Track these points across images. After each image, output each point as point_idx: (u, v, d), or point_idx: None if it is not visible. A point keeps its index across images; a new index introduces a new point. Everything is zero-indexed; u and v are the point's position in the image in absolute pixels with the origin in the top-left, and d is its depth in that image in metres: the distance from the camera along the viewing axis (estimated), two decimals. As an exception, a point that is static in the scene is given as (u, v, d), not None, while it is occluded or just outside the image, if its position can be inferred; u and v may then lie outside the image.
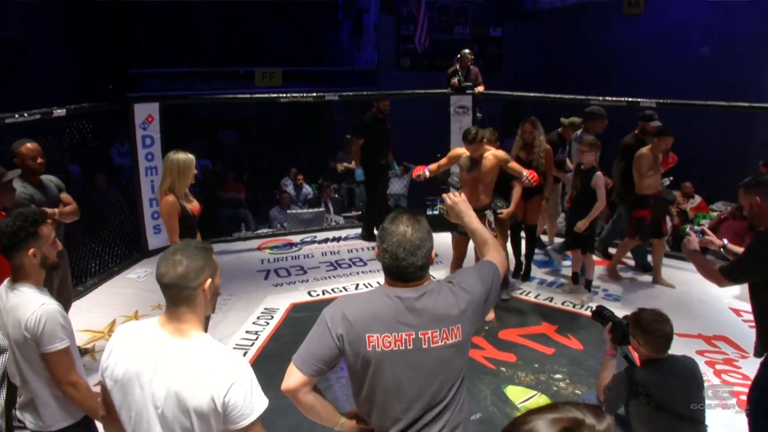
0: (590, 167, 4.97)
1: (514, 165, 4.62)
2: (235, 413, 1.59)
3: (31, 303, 2.10)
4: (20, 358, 2.16)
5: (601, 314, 2.94)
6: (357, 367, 1.76)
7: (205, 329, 4.08)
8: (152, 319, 1.73)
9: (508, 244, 5.49)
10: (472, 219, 2.13)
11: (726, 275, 2.72)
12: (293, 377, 1.74)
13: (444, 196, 2.21)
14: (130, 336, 1.71)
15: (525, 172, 4.47)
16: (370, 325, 1.74)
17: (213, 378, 1.59)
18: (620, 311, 3.45)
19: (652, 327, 2.57)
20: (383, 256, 1.80)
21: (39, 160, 3.83)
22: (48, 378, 2.15)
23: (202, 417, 1.59)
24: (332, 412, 1.86)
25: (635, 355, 2.73)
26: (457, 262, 4.99)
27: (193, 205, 3.76)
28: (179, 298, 1.66)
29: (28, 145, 3.81)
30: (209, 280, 1.70)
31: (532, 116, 5.48)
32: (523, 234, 5.77)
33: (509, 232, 5.71)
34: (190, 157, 3.67)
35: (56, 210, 3.81)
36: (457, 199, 2.16)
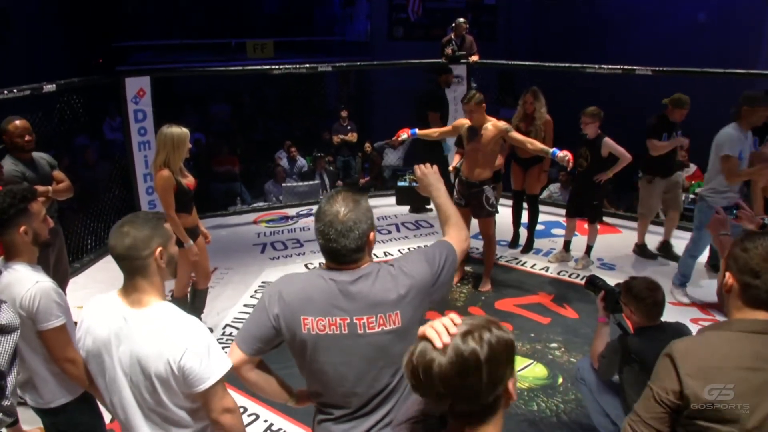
0: (596, 136, 4.94)
1: (515, 135, 4.48)
2: (192, 377, 1.66)
3: (26, 281, 2.09)
4: (17, 336, 2.16)
5: (594, 283, 2.97)
6: (295, 348, 1.73)
7: (203, 302, 4.14)
8: (113, 291, 1.78)
9: (505, 220, 5.41)
10: (440, 193, 2.01)
11: None
12: (233, 355, 1.73)
13: (415, 167, 2.10)
14: (95, 309, 1.78)
15: (561, 154, 4.13)
16: (305, 306, 1.68)
17: (168, 343, 1.65)
18: (615, 280, 3.47)
19: (644, 295, 2.60)
20: (317, 236, 1.71)
21: (27, 138, 3.72)
22: (45, 355, 2.16)
23: (162, 381, 1.67)
24: (278, 390, 1.83)
25: (629, 323, 2.76)
26: None
27: (189, 180, 3.74)
28: (132, 269, 1.71)
29: (16, 122, 3.70)
30: (160, 249, 1.73)
31: (534, 87, 5.38)
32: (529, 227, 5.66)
33: (512, 201, 5.74)
34: (185, 130, 3.63)
35: (49, 187, 3.76)
36: (427, 171, 2.05)
